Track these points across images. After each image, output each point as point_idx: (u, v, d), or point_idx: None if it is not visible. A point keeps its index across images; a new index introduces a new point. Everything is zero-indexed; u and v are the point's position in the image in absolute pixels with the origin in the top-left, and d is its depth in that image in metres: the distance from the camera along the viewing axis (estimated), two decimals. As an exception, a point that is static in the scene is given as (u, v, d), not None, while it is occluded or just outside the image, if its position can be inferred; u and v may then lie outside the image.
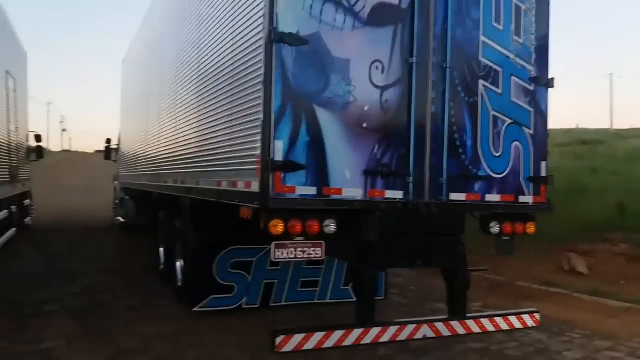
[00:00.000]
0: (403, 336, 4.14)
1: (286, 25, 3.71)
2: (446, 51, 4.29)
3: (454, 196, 4.35)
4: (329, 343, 3.86)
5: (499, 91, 4.60)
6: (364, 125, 4.00)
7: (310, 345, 3.80)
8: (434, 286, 6.27)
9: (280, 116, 3.70)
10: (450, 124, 4.33)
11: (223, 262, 5.85)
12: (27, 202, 12.30)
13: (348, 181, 3.94)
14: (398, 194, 4.12)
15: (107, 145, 14.52)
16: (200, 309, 5.78)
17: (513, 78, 4.68)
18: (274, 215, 3.73)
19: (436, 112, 4.26)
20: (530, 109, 4.78)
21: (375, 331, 4.05)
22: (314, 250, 3.98)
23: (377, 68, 4.05)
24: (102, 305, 6.28)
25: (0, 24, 8.74)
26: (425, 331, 4.22)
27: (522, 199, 4.73)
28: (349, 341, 3.93)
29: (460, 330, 4.40)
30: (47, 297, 6.57)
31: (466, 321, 4.44)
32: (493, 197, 4.57)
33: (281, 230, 3.76)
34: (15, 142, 9.93)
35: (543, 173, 4.83)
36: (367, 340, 4.00)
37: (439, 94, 4.27)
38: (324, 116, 3.85)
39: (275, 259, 3.89)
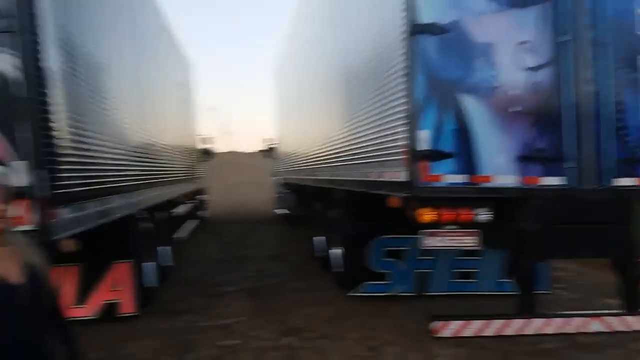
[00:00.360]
0: (570, 329, 3.98)
1: (426, 16, 3.82)
2: (600, 26, 4.00)
3: (620, 181, 4.05)
4: (488, 331, 3.88)
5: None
6: (513, 109, 3.93)
7: (468, 332, 3.87)
8: (605, 280, 5.80)
9: (424, 106, 3.83)
10: (611, 103, 4.03)
11: (376, 250, 6.12)
12: (202, 197, 13.94)
13: (499, 168, 3.91)
14: (556, 180, 3.97)
15: (266, 144, 15.78)
16: (355, 294, 6.13)
17: None
18: (423, 204, 3.86)
19: (594, 91, 4.00)
20: None
21: (538, 322, 3.96)
22: (469, 239, 4.03)
23: (523, 50, 3.96)
24: (272, 287, 6.96)
25: (168, 41, 10.03)
26: (595, 325, 3.99)
27: None
28: (510, 331, 3.90)
29: (637, 325, 4.08)
30: (225, 280, 7.49)
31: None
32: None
33: (429, 218, 3.88)
34: (188, 145, 11.35)
35: None
36: (529, 331, 3.93)
37: (597, 72, 4.00)
38: (469, 103, 3.88)
39: (425, 246, 4.01)
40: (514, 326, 3.90)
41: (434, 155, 3.81)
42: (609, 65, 4.02)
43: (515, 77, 3.93)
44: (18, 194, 3.03)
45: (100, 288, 5.54)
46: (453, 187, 3.85)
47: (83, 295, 5.48)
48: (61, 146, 3.51)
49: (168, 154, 8.46)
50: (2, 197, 2.05)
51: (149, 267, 6.61)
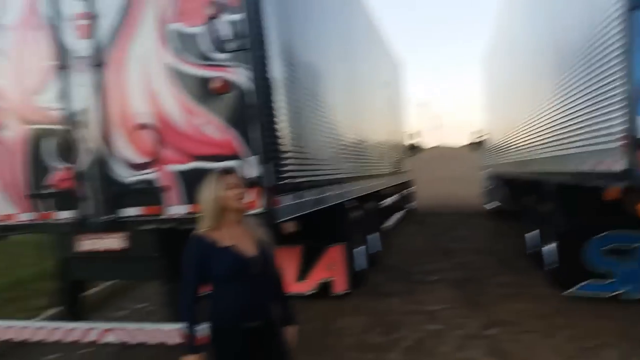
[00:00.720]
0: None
1: None
2: None
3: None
4: None
5: None
6: None
7: None
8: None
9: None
10: None
11: (596, 247, 5.59)
12: (409, 190, 14.26)
13: None
14: None
15: (474, 137, 15.35)
16: (570, 294, 5.69)
17: None
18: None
19: None
20: None
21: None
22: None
23: None
24: (477, 280, 6.88)
25: (378, 42, 10.49)
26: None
27: None
28: None
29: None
30: (429, 269, 7.64)
31: None
32: None
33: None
34: (396, 140, 11.73)
35: None
36: None
37: None
38: None
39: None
40: None
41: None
42: None
43: None
44: (251, 183, 3.64)
45: (317, 268, 6.21)
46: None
47: (303, 273, 6.21)
48: (284, 144, 4.08)
49: (377, 149, 8.93)
50: (241, 184, 2.56)
51: (360, 251, 7.13)
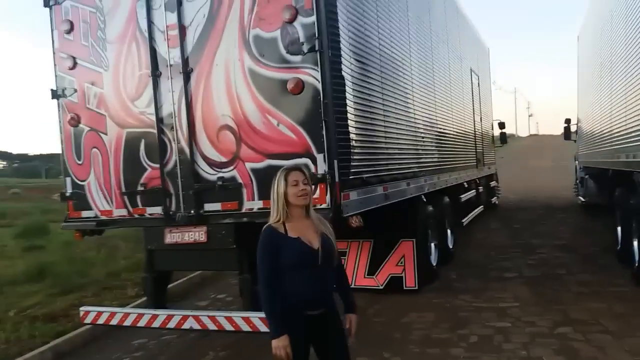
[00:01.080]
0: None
1: None
2: None
3: None
4: None
5: None
6: None
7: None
8: None
9: None
10: None
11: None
12: (492, 183, 13.86)
13: None
14: None
15: (566, 125, 14.58)
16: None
17: None
18: None
19: None
20: None
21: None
22: None
23: None
24: (555, 278, 6.70)
25: (463, 28, 10.31)
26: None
27: None
28: None
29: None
30: (507, 266, 7.52)
31: None
32: None
33: None
34: (480, 131, 11.47)
35: None
36: None
37: None
38: None
39: None
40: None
41: None
42: None
43: None
44: (318, 179, 3.90)
45: (387, 262, 6.36)
46: None
47: (373, 267, 6.39)
48: (352, 141, 4.30)
49: (457, 142, 8.87)
50: (305, 180, 2.79)
51: (433, 247, 7.19)
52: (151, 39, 4.47)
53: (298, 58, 3.95)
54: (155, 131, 4.48)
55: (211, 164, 4.31)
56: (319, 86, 3.90)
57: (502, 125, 15.00)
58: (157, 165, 4.49)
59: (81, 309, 4.71)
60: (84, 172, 4.86)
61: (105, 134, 4.75)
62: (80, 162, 4.88)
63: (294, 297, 2.69)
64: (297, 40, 3.94)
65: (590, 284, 6.23)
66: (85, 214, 4.88)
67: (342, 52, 4.21)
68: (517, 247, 8.84)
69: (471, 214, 10.08)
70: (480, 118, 11.70)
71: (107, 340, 5.49)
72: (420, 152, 6.59)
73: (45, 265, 8.43)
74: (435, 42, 7.78)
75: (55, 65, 4.93)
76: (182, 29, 4.35)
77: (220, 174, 4.27)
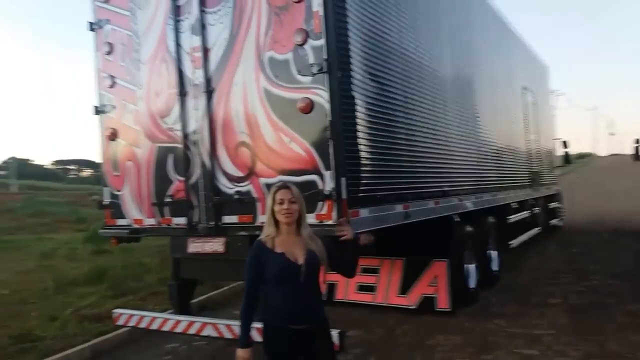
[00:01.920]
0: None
1: None
2: None
3: None
4: None
5: None
6: None
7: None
8: None
9: None
10: None
11: None
12: (554, 204, 13.17)
13: None
14: None
15: (636, 145, 13.68)
16: None
17: None
18: None
19: None
20: None
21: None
22: None
23: None
24: (601, 306, 6.29)
25: (513, 47, 10.02)
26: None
27: None
28: None
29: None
30: (553, 291, 7.15)
31: None
32: None
33: None
34: (536, 150, 11.00)
35: None
36: None
37: None
38: None
39: None
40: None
41: None
42: None
43: None
44: (325, 196, 3.95)
45: (420, 282, 6.24)
46: None
47: (405, 286, 6.30)
48: (363, 159, 4.32)
49: (502, 161, 8.57)
50: (297, 198, 2.85)
51: (472, 269, 6.97)
52: (178, 60, 4.74)
53: (308, 79, 4.06)
54: (181, 146, 4.73)
55: (230, 178, 4.48)
56: (327, 106, 3.97)
57: (565, 144, 14.28)
58: (183, 179, 4.72)
59: (114, 311, 5.01)
60: (120, 183, 5.20)
61: (139, 148, 5.06)
62: (116, 174, 5.23)
63: (277, 311, 2.77)
64: (307, 62, 4.05)
65: (639, 315, 5.80)
66: (120, 222, 5.21)
67: (352, 73, 4.26)
68: (570, 273, 8.37)
69: (523, 236, 9.64)
70: (537, 137, 11.22)
71: (142, 342, 5.77)
72: (453, 171, 6.44)
73: (105, 269, 9.03)
74: (477, 60, 7.62)
75: (97, 83, 5.32)
76: (206, 51, 4.59)
77: (237, 188, 4.43)
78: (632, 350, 4.74)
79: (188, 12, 4.72)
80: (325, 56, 3.98)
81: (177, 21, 4.78)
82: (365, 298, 6.51)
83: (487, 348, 5.01)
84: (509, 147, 9.05)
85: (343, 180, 3.97)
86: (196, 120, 4.66)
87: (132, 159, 5.11)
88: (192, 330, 4.43)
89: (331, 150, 3.96)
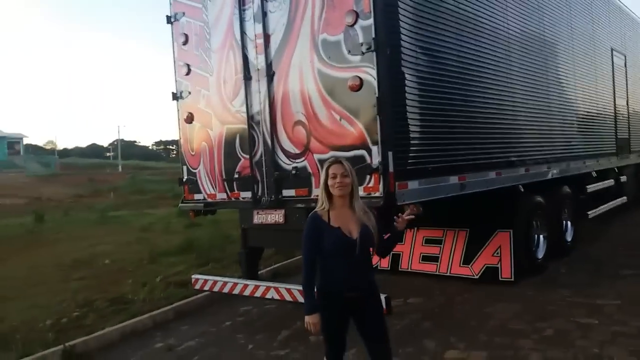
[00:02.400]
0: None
1: None
2: None
3: None
4: None
5: None
6: None
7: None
8: None
9: None
10: None
11: None
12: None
13: None
14: None
15: None
16: None
17: None
18: None
19: None
20: None
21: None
22: None
23: None
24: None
25: (598, 5, 9.40)
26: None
27: None
28: None
29: None
30: (629, 263, 6.90)
31: None
32: None
33: None
34: (625, 115, 10.34)
35: None
36: None
37: None
38: None
39: None
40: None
41: None
42: None
43: None
44: (373, 169, 4.22)
45: (484, 252, 6.35)
46: None
47: (469, 256, 6.43)
48: (412, 133, 4.50)
49: (581, 128, 8.25)
50: (349, 172, 2.96)
51: (541, 239, 6.91)
52: (243, 46, 5.15)
53: (358, 58, 4.30)
54: (246, 127, 5.17)
55: (288, 155, 4.87)
56: (375, 83, 4.20)
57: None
58: (248, 156, 5.19)
59: (193, 276, 5.65)
60: (196, 162, 5.77)
61: (211, 129, 5.59)
62: (193, 153, 5.80)
63: (332, 281, 2.95)
64: (357, 42, 4.29)
65: None
66: (196, 196, 5.80)
67: (403, 49, 4.43)
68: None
69: (604, 206, 9.22)
70: (627, 101, 10.54)
71: (220, 305, 6.40)
72: (519, 141, 6.38)
73: (194, 241, 9.91)
74: (551, 19, 7.30)
75: (175, 72, 5.89)
76: (267, 38, 4.96)
77: (295, 164, 4.81)
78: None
79: (251, 2, 5.10)
80: (373, 35, 4.21)
81: (242, 10, 5.17)
82: (428, 268, 6.72)
83: (544, 316, 5.06)
84: (589, 113, 8.68)
85: (390, 154, 4.22)
86: (259, 102, 5.08)
87: (205, 140, 5.65)
88: (257, 293, 4.95)
89: (378, 126, 4.21)
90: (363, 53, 4.25)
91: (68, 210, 19.51)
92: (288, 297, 4.73)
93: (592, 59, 8.89)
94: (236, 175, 5.32)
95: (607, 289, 5.80)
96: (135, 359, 4.96)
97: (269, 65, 4.97)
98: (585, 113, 8.49)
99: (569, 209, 7.83)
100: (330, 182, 2.95)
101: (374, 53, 4.21)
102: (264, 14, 4.98)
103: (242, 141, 5.25)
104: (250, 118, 5.16)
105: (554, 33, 7.42)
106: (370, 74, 4.24)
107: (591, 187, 8.54)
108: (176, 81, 5.93)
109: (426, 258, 6.81)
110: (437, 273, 6.68)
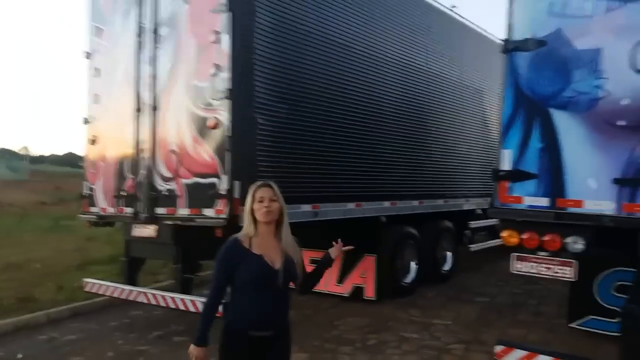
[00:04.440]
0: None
1: (521, 32, 3.82)
2: None
3: None
4: None
5: None
6: (619, 122, 3.39)
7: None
8: None
9: (510, 124, 3.82)
10: None
11: (606, 283, 5.41)
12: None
13: (593, 192, 3.45)
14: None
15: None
16: (576, 326, 5.60)
17: None
18: (505, 226, 3.82)
19: None
20: None
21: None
22: (560, 269, 3.70)
23: (640, 52, 3.32)
24: (518, 306, 6.95)
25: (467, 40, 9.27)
26: None
27: None
28: None
29: None
30: (490, 292, 7.82)
31: None
32: None
33: (515, 241, 3.80)
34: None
35: None
36: None
37: None
38: (562, 119, 3.69)
39: (513, 270, 3.90)
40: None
41: (515, 175, 3.76)
42: None
43: (629, 84, 3.39)
44: (221, 195, 5.06)
45: (353, 273, 7.22)
46: (532, 211, 3.67)
47: (342, 276, 7.28)
48: (260, 166, 5.35)
49: (452, 166, 8.77)
50: (277, 197, 2.72)
51: (412, 265, 7.78)
52: (137, 84, 5.99)
53: (217, 102, 5.18)
54: (134, 152, 5.99)
55: (163, 178, 5.68)
56: (227, 124, 5.08)
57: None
58: (133, 177, 5.99)
59: (83, 280, 6.40)
60: (94, 179, 6.52)
61: (108, 152, 6.39)
62: (93, 171, 6.57)
63: (243, 315, 2.65)
64: (217, 89, 5.17)
65: (542, 315, 6.46)
66: (92, 209, 6.54)
67: (255, 97, 5.33)
68: (520, 277, 8.83)
69: (490, 242, 10.13)
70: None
71: (115, 308, 7.00)
72: (384, 176, 7.17)
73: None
74: (416, 60, 7.83)
75: (87, 99, 6.69)
76: (154, 78, 5.82)
77: (167, 186, 5.63)
78: (495, 338, 5.44)
79: (146, 47, 5.97)
80: (228, 86, 5.10)
81: (139, 53, 6.03)
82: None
83: (379, 330, 5.92)
84: (469, 154, 9.25)
85: (237, 183, 5.07)
86: (145, 132, 5.91)
87: (103, 160, 6.44)
88: (131, 297, 5.73)
89: (227, 159, 5.07)
90: (220, 99, 5.14)
91: (24, 216, 19.88)
92: (162, 303, 5.52)
93: (464, 100, 9.15)
94: (123, 193, 6.11)
95: (450, 312, 6.69)
96: (16, 346, 5.65)
97: (154, 101, 5.82)
98: (465, 154, 9.16)
99: (449, 241, 8.75)
100: (256, 206, 2.70)
101: (229, 100, 5.10)
102: (155, 58, 5.85)
103: (130, 164, 6.06)
104: (137, 144, 5.98)
105: (422, 74, 7.95)
106: (224, 116, 5.12)
107: (474, 224, 9.49)
108: (87, 107, 6.73)
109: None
110: (317, 290, 7.48)
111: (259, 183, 2.80)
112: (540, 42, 3.69)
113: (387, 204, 7.25)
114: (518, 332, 5.78)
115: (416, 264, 7.88)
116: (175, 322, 6.31)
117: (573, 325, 5.66)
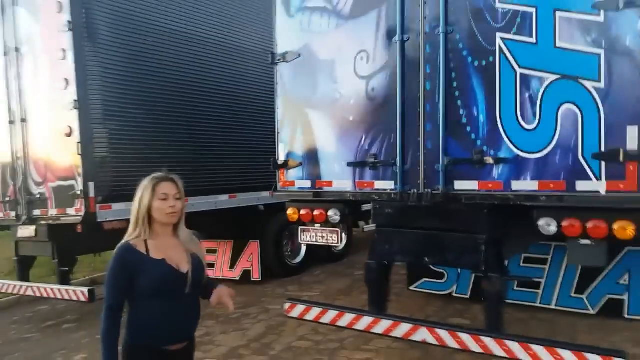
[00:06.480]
0: (397, 333, 3.85)
1: (283, 46, 4.48)
2: (443, 15, 3.60)
3: (460, 184, 3.55)
4: (325, 319, 4.26)
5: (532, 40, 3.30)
6: (350, 118, 4.10)
7: (309, 316, 4.34)
8: None
9: (282, 122, 4.52)
10: (451, 98, 3.58)
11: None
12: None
13: (338, 174, 4.19)
14: (389, 185, 3.90)
15: None
16: (414, 289, 6.39)
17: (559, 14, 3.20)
18: (289, 205, 4.55)
19: (431, 89, 3.67)
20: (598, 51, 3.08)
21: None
22: (330, 237, 4.43)
23: (361, 59, 4.06)
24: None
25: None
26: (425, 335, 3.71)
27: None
28: (343, 322, 4.17)
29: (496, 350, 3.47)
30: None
31: (505, 340, 3.42)
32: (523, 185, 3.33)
33: (296, 217, 4.52)
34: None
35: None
36: (359, 326, 4.10)
37: (436, 67, 3.64)
38: (315, 117, 4.36)
39: (301, 241, 4.63)
40: (346, 320, 4.13)
41: (287, 164, 4.50)
42: (451, 56, 3.61)
43: (353, 87, 4.18)
44: (78, 195, 5.69)
45: (242, 258, 7.92)
46: (302, 192, 4.41)
47: (233, 262, 7.98)
48: (109, 168, 5.92)
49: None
50: (182, 194, 2.37)
51: (300, 248, 8.48)
52: (9, 98, 6.54)
53: (69, 113, 5.75)
54: (12, 160, 6.56)
55: (36, 183, 6.29)
56: (77, 132, 5.70)
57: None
58: (13, 183, 6.59)
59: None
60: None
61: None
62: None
63: (148, 329, 2.30)
64: (68, 101, 5.75)
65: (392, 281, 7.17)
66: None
67: (108, 104, 5.94)
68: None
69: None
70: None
71: (25, 305, 7.61)
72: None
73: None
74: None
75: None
76: (21, 93, 6.39)
77: (39, 190, 6.23)
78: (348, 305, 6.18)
79: (11, 65, 6.50)
80: (75, 97, 5.71)
81: (7, 70, 6.51)
82: (210, 273, 8.21)
83: (249, 305, 6.61)
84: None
85: (91, 184, 5.70)
86: (18, 141, 6.48)
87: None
88: (30, 293, 6.41)
89: (80, 163, 5.70)
90: (70, 110, 5.74)
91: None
92: (45, 294, 6.21)
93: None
94: (7, 198, 6.69)
95: (323, 286, 7.42)
96: None
97: (23, 114, 6.40)
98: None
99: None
100: (157, 204, 2.30)
101: (77, 110, 5.70)
102: (19, 75, 6.42)
103: (11, 171, 6.64)
104: (14, 154, 6.56)
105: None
106: (75, 125, 5.73)
107: (365, 207, 10.17)
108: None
109: (208, 265, 8.30)
110: (213, 277, 8.17)
111: (158, 176, 2.37)
112: (296, 55, 4.40)
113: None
114: (366, 297, 6.50)
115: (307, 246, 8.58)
116: (72, 313, 6.96)
117: (412, 288, 6.45)
